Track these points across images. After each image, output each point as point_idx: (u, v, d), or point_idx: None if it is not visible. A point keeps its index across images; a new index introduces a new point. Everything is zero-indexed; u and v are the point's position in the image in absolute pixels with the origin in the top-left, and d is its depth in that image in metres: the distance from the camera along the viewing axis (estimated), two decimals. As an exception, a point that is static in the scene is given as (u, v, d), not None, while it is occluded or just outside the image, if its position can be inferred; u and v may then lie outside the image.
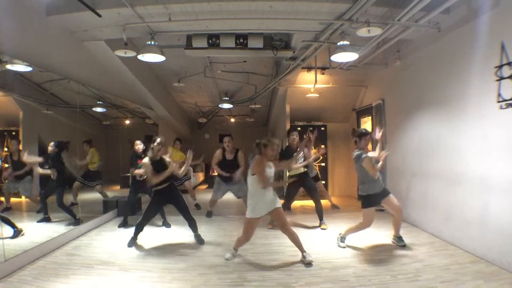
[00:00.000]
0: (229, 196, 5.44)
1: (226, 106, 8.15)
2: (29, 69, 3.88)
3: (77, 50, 4.67)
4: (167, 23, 4.00)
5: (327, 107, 7.27)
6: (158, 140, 4.02)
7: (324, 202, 5.06)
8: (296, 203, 6.51)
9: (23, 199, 4.69)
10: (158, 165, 4.02)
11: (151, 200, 4.18)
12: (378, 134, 4.06)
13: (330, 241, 4.13)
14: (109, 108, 6.90)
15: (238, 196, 5.31)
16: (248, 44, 4.75)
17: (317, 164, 6.98)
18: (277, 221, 3.64)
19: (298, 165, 4.72)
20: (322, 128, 7.40)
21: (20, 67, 3.81)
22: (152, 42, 4.19)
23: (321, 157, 5.96)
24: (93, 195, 5.97)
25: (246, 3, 3.76)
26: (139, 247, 4.01)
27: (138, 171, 4.83)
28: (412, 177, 4.93)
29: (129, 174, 5.32)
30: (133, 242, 4.03)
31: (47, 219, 4.53)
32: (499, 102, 3.20)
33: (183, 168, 4.21)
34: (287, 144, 5.03)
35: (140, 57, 4.26)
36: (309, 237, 4.32)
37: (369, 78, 6.58)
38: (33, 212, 4.65)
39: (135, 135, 6.84)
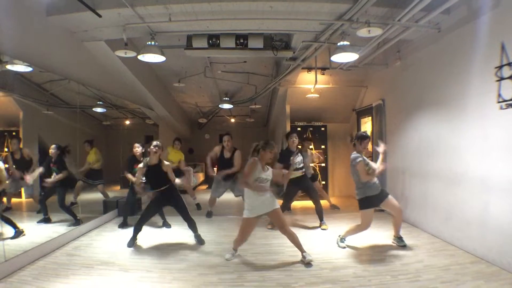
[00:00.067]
0: (229, 196, 5.44)
1: (226, 106, 8.15)
2: (29, 69, 3.88)
3: (77, 50, 4.68)
4: (167, 23, 4.00)
5: (327, 107, 7.27)
6: (155, 143, 4.03)
7: (322, 202, 5.05)
8: (296, 203, 6.52)
9: (24, 199, 4.69)
10: (154, 170, 4.01)
11: (151, 200, 4.18)
12: (381, 148, 3.94)
13: (330, 241, 4.13)
14: (109, 108, 6.90)
15: (236, 195, 5.30)
16: (248, 45, 4.75)
17: (317, 165, 6.98)
18: (276, 222, 3.64)
19: (296, 173, 4.68)
20: (322, 129, 7.41)
21: (20, 68, 3.81)
22: (152, 43, 4.19)
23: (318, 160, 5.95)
24: (93, 196, 5.97)
25: (247, 3, 3.77)
26: (139, 247, 4.01)
27: (130, 176, 4.82)
28: (412, 177, 4.93)
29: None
30: (133, 242, 4.03)
31: (47, 220, 4.52)
32: (499, 102, 3.20)
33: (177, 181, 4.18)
34: (287, 145, 5.03)
35: (140, 57, 4.26)
36: (309, 238, 4.32)
37: (369, 79, 6.58)
38: (33, 213, 4.65)
39: (135, 136, 6.85)
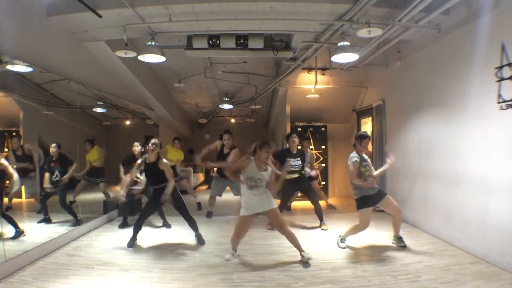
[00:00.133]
0: (229, 196, 5.44)
1: (227, 106, 8.15)
2: (29, 69, 3.88)
3: (77, 50, 4.68)
4: (168, 23, 4.00)
5: (328, 107, 7.27)
6: (153, 141, 4.03)
7: (320, 202, 5.04)
8: (296, 204, 6.52)
9: (24, 199, 4.69)
10: (152, 168, 4.01)
11: (149, 199, 4.19)
12: (392, 159, 3.86)
13: (330, 241, 4.13)
14: (109, 108, 6.91)
15: (234, 193, 5.29)
16: (249, 45, 4.75)
17: (317, 165, 6.97)
18: (274, 222, 3.64)
19: (291, 175, 4.66)
20: (323, 129, 7.41)
21: (21, 68, 3.81)
22: (153, 43, 4.20)
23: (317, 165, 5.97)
24: (94, 196, 5.97)
25: (247, 3, 3.77)
26: (139, 247, 4.01)
27: (122, 175, 4.90)
28: (412, 177, 4.93)
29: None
30: (133, 242, 4.03)
31: (47, 220, 4.53)
32: (499, 103, 3.20)
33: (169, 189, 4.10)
34: (288, 146, 5.01)
35: (140, 57, 4.27)
36: (309, 238, 4.32)
37: (369, 79, 6.58)
38: (33, 213, 4.65)
39: (135, 136, 6.84)
